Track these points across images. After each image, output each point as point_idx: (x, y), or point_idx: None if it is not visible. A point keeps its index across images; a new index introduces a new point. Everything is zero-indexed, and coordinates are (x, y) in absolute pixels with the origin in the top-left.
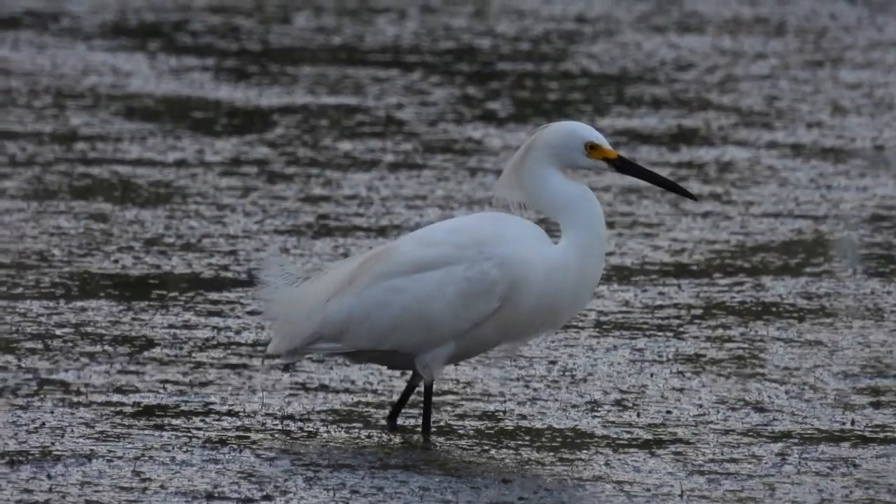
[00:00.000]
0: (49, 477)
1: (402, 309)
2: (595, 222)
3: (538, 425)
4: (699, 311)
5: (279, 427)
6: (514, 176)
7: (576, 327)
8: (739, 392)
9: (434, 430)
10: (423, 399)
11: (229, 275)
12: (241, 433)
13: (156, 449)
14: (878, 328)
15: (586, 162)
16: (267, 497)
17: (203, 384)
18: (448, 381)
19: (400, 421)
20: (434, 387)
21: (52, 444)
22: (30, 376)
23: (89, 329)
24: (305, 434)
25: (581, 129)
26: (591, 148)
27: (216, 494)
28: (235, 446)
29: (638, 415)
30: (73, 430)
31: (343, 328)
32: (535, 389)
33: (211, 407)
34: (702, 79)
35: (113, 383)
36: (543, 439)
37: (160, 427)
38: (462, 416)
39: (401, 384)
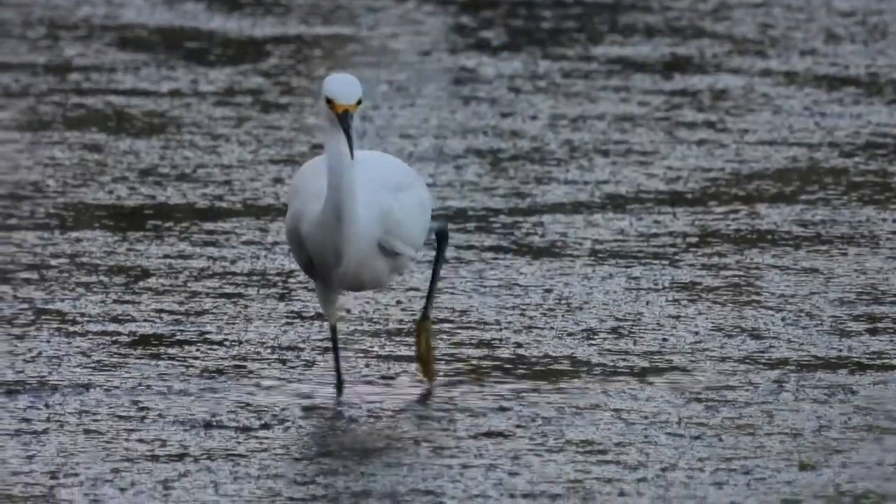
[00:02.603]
0: (47, 406)
1: None
2: (332, 193)
3: (534, 353)
4: (694, 239)
5: (275, 356)
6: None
7: (571, 256)
8: (735, 319)
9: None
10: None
11: (224, 205)
12: (237, 362)
13: (153, 378)
14: (873, 255)
15: (332, 115)
16: (265, 426)
17: (199, 313)
18: (444, 309)
19: (387, 368)
20: (336, 332)
21: (50, 373)
22: (26, 306)
23: (84, 259)
24: (302, 363)
25: (326, 82)
26: (328, 101)
27: (214, 423)
28: (232, 375)
29: (634, 343)
30: (70, 360)
31: None
32: (530, 318)
33: (207, 336)
34: (695, 7)
35: (109, 313)
36: (540, 367)
37: (157, 356)
38: (458, 345)
39: (397, 313)
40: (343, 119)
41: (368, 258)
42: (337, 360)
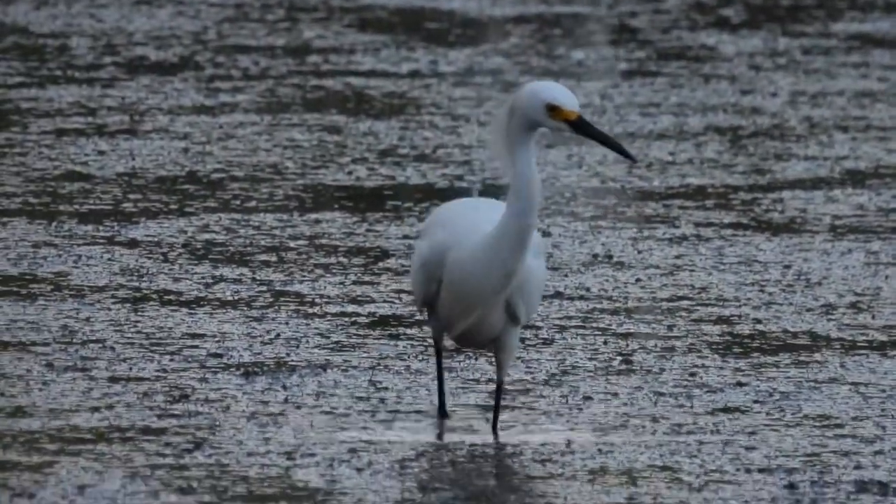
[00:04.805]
0: (284, 388)
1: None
2: (523, 217)
3: (773, 329)
4: None
5: None
6: (497, 138)
7: (810, 231)
8: None
9: (672, 334)
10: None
11: (464, 185)
12: None
13: (391, 358)
14: None
15: (551, 124)
16: (503, 405)
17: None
18: (683, 286)
19: (625, 345)
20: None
21: (287, 354)
22: (264, 288)
23: (323, 241)
24: (541, 341)
25: (543, 90)
26: (551, 109)
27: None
28: (471, 355)
29: (873, 317)
30: (307, 341)
31: None
32: (770, 294)
33: None
34: None
35: (348, 294)
36: (778, 343)
37: (395, 336)
38: (698, 321)
39: (636, 291)
40: (582, 124)
41: (494, 308)
42: (441, 387)
